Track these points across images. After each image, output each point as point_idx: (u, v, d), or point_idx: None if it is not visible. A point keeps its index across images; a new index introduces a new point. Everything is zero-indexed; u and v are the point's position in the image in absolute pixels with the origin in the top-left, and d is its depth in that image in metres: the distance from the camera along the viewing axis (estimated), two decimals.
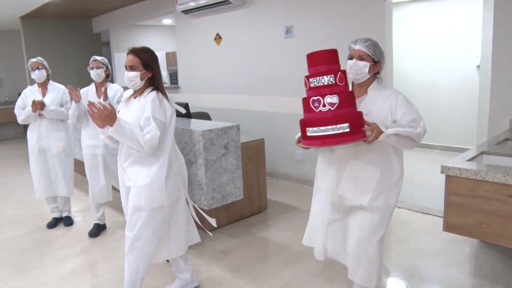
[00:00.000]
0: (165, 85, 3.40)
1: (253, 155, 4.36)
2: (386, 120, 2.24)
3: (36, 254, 3.71)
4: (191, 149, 3.68)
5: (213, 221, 3.06)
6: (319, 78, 2.09)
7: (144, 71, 2.48)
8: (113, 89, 3.93)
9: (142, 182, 2.49)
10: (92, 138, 3.89)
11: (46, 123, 4.11)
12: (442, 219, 2.55)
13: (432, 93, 6.73)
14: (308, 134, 2.10)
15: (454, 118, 6.55)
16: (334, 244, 2.52)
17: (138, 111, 2.47)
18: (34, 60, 4.11)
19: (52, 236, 4.13)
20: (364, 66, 2.24)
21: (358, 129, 2.03)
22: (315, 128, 2.06)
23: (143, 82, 2.51)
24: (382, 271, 2.49)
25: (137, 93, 2.58)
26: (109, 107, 2.32)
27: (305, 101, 2.14)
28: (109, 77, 3.98)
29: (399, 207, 4.37)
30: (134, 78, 2.47)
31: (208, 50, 6.48)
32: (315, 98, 2.08)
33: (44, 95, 4.10)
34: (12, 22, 8.81)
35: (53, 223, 4.35)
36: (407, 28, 6.85)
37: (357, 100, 2.28)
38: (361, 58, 2.24)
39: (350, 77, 2.26)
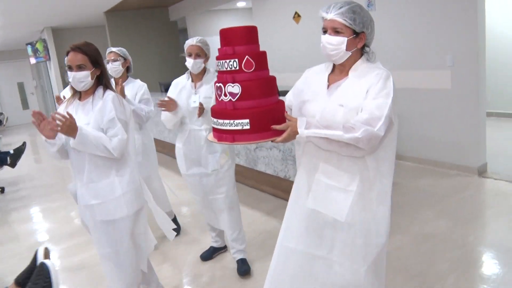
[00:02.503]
0: None
1: None
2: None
3: None
4: None
5: (171, 235, 2.59)
6: (222, 62, 1.75)
7: (94, 69, 2.18)
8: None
9: (117, 193, 2.21)
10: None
11: None
12: None
13: None
14: (212, 125, 1.81)
15: None
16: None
17: (98, 114, 2.16)
18: (114, 50, 3.35)
19: None
20: (339, 42, 1.68)
21: (263, 127, 1.67)
22: (215, 120, 1.76)
23: (93, 81, 2.21)
24: None
25: (84, 94, 2.25)
26: (67, 116, 2.02)
27: (214, 87, 1.85)
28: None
29: (495, 179, 4.23)
30: (84, 78, 2.16)
31: (287, 30, 6.51)
32: (218, 84, 1.76)
33: None
34: (98, 17, 9.44)
35: None
36: None
37: (334, 85, 1.78)
38: (336, 31, 1.68)
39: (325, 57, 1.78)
